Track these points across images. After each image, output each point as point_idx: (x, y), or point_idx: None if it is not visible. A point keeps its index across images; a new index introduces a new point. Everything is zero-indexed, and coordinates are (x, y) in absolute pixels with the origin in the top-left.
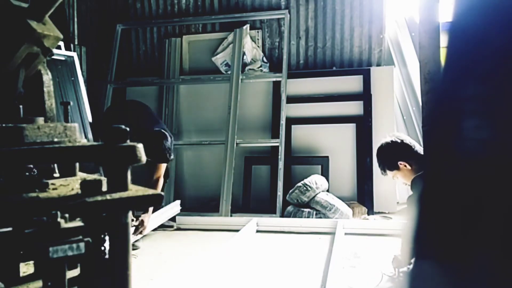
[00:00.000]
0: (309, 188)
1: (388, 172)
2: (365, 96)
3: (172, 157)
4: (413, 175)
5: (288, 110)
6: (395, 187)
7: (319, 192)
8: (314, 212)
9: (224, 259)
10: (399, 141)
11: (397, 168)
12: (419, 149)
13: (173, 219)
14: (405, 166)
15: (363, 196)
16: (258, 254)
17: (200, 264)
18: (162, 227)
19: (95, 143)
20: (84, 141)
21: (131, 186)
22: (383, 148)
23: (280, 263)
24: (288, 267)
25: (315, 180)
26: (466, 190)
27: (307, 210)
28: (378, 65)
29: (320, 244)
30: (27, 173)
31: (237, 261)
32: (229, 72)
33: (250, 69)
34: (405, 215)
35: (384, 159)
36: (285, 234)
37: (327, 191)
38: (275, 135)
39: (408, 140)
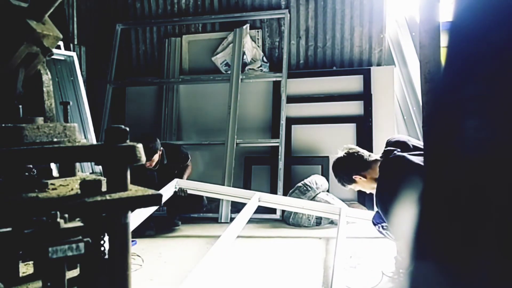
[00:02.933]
0: (309, 188)
1: (347, 185)
2: (365, 96)
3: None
4: (371, 183)
5: (288, 110)
6: None
7: (320, 192)
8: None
9: (223, 263)
10: (349, 154)
11: (354, 181)
12: (370, 156)
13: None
14: (360, 178)
15: (363, 197)
16: (258, 258)
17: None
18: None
19: (94, 143)
20: (83, 141)
21: (130, 186)
22: (337, 163)
23: (281, 266)
24: (289, 269)
25: (315, 180)
26: (466, 190)
27: None
28: (379, 65)
29: (320, 246)
30: (26, 173)
31: (236, 263)
32: (229, 72)
33: (250, 68)
34: (398, 217)
35: (340, 174)
36: (285, 238)
37: (328, 191)
38: (275, 135)
39: (358, 150)
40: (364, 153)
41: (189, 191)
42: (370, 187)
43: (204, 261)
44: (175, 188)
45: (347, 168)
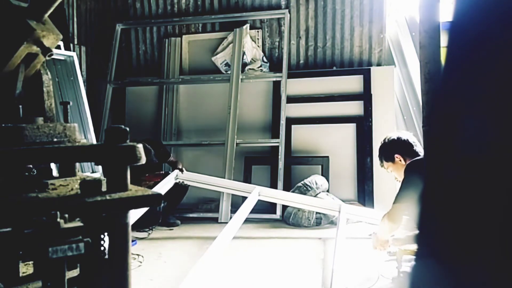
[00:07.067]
0: (309, 188)
1: (384, 163)
2: (365, 96)
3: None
4: (402, 170)
5: (288, 110)
6: (395, 187)
7: (320, 192)
8: (314, 212)
9: (223, 263)
10: (403, 138)
11: (392, 160)
12: (419, 150)
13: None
14: (400, 160)
15: (364, 196)
16: (258, 259)
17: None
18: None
19: (94, 143)
20: (83, 141)
21: (130, 186)
22: (386, 142)
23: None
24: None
25: (315, 180)
26: (466, 190)
27: (307, 210)
28: (379, 65)
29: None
30: (26, 173)
31: (236, 263)
32: (229, 72)
33: (250, 68)
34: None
35: (384, 150)
36: (285, 239)
37: (327, 191)
38: (275, 135)
39: (411, 138)
40: (417, 144)
41: (188, 183)
42: (401, 173)
43: (204, 257)
44: (175, 179)
45: (394, 146)
